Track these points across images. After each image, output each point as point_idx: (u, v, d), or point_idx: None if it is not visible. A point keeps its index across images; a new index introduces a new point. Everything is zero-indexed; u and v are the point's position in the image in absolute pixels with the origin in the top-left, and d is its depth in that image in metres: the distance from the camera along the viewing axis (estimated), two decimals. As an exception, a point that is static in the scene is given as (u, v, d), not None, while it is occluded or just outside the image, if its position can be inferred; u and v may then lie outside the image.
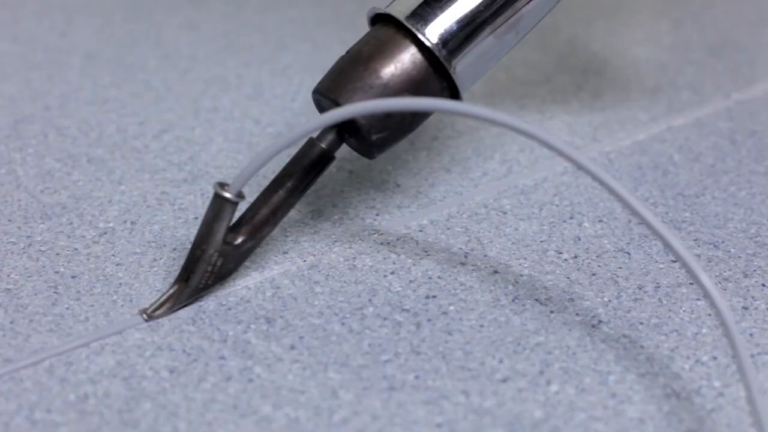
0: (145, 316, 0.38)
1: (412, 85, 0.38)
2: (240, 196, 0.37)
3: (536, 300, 0.39)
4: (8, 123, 0.49)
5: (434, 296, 0.39)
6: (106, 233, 0.42)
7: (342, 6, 0.60)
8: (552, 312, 0.38)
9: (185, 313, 0.38)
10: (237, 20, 0.58)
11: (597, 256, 0.41)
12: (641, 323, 0.38)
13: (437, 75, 0.39)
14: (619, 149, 0.48)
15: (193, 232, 0.42)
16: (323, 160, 0.39)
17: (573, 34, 0.58)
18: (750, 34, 0.58)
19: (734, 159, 0.47)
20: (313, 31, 0.57)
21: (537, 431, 0.34)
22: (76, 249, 0.41)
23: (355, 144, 0.40)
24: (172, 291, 0.38)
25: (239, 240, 0.38)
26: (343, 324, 0.38)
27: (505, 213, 0.44)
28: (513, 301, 0.39)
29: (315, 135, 0.39)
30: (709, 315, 0.38)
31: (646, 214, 0.33)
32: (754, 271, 0.41)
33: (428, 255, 0.41)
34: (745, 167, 0.47)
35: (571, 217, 0.43)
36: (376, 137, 0.39)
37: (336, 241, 0.42)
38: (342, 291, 0.39)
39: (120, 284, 0.39)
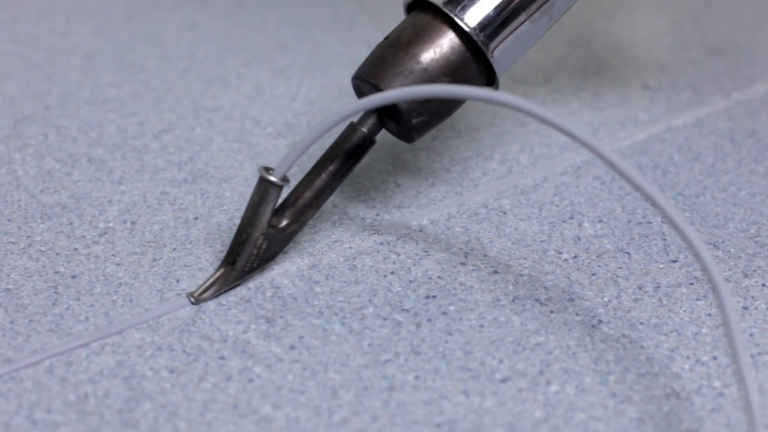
0: (192, 299, 0.38)
1: (451, 70, 0.39)
2: (285, 180, 0.38)
3: (536, 300, 0.39)
4: (8, 123, 0.49)
5: (434, 296, 0.39)
6: (106, 233, 0.42)
7: (342, 6, 0.60)
8: (552, 312, 0.38)
9: (185, 313, 0.38)
10: (237, 20, 0.58)
11: (597, 256, 0.41)
12: (641, 323, 0.38)
13: (475, 59, 0.40)
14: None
15: (193, 231, 0.42)
16: (364, 143, 0.40)
17: (573, 34, 0.58)
18: (750, 34, 0.58)
19: (734, 159, 0.47)
20: (313, 31, 0.57)
21: (537, 431, 0.34)
22: (76, 249, 0.41)
23: (394, 128, 0.41)
24: (218, 274, 0.39)
25: (283, 223, 0.39)
26: (343, 324, 0.38)
27: (505, 213, 0.44)
28: (513, 301, 0.39)
29: (356, 119, 0.40)
30: (709, 315, 0.38)
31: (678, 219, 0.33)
32: (754, 271, 0.41)
33: (428, 255, 0.41)
34: (745, 167, 0.47)
35: (571, 217, 0.43)
36: (416, 121, 0.39)
37: (336, 241, 0.42)
38: (342, 291, 0.39)
39: (120, 284, 0.39)
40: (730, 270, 0.41)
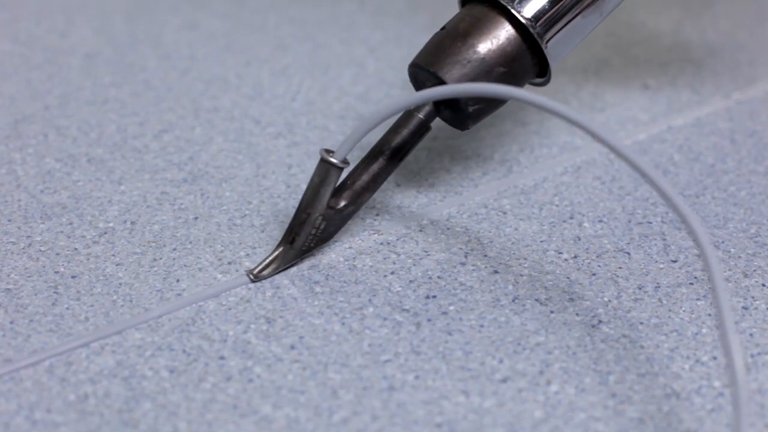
0: (251, 276, 0.39)
1: (507, 60, 0.40)
2: (345, 162, 0.39)
3: (536, 300, 0.39)
4: (8, 123, 0.49)
5: (434, 296, 0.39)
6: (106, 233, 0.42)
7: (342, 6, 0.60)
8: (552, 312, 0.38)
9: (185, 313, 0.38)
10: (237, 20, 0.59)
11: (597, 256, 0.41)
12: (641, 323, 0.38)
13: (529, 51, 0.41)
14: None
15: (193, 231, 0.42)
16: (421, 130, 0.41)
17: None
18: (750, 34, 0.58)
19: (734, 159, 0.47)
20: (313, 31, 0.57)
21: (537, 431, 0.34)
22: (76, 249, 0.41)
23: (449, 116, 0.41)
24: (277, 252, 0.40)
25: (341, 204, 0.40)
26: (343, 324, 0.38)
27: (505, 213, 0.44)
28: (513, 301, 0.39)
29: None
30: (709, 315, 0.38)
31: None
32: (754, 271, 0.41)
33: (428, 255, 0.41)
34: (745, 167, 0.47)
35: (571, 217, 0.43)
36: (472, 109, 0.40)
37: (336, 241, 0.42)
38: (342, 291, 0.39)
39: (120, 284, 0.39)
40: (730, 270, 0.41)
